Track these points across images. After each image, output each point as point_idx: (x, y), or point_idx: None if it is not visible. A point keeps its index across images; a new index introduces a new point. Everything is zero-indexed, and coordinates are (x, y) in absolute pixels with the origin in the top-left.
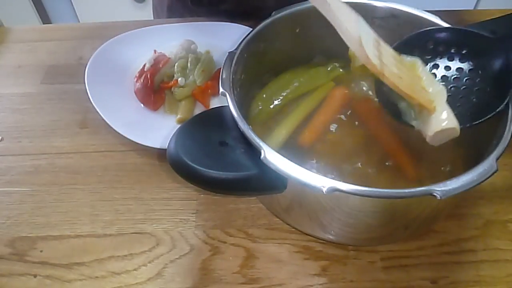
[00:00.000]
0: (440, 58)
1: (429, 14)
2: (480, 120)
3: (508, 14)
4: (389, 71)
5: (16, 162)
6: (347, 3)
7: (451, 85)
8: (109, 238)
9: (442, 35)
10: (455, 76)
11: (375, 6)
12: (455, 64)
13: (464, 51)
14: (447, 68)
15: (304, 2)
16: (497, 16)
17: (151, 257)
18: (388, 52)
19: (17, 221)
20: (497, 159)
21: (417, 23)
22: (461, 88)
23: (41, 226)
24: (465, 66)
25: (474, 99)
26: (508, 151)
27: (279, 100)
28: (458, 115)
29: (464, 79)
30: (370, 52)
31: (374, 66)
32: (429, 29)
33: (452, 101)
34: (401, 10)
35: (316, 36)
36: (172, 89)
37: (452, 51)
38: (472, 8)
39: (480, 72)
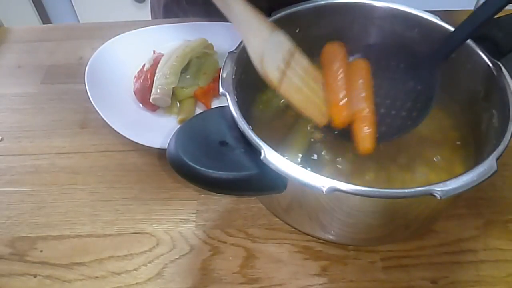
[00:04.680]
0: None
1: (429, 14)
2: (393, 137)
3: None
4: (288, 84)
5: (16, 162)
6: (346, 3)
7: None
8: (109, 238)
9: (377, 48)
10: (391, 88)
11: (375, 6)
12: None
13: (402, 65)
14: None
15: (303, 3)
16: (497, 16)
17: (151, 257)
18: (299, 65)
19: (17, 221)
20: (497, 159)
21: (417, 23)
22: (394, 99)
23: (41, 226)
24: (402, 79)
25: (404, 113)
26: (508, 151)
27: (280, 100)
28: (388, 126)
29: (395, 88)
30: (270, 68)
31: (270, 81)
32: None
33: (386, 111)
34: (401, 10)
35: (315, 36)
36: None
37: (392, 63)
38: (472, 8)
39: (410, 83)
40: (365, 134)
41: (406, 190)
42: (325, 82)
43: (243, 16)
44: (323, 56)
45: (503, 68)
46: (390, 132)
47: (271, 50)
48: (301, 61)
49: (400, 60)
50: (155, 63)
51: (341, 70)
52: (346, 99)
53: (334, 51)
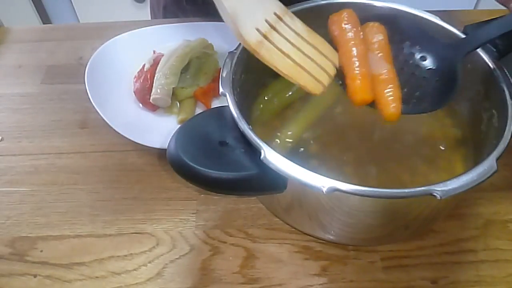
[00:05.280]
0: (410, 44)
1: (429, 14)
2: (411, 113)
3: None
4: (271, 49)
5: (16, 162)
6: (346, 3)
7: (403, 72)
8: (109, 238)
9: (398, 24)
10: (404, 67)
11: (375, 6)
12: (411, 53)
13: (416, 46)
14: (411, 54)
15: (303, 3)
16: (497, 16)
17: (151, 257)
18: (289, 28)
19: (17, 221)
20: (497, 159)
21: (417, 23)
22: (408, 77)
23: (41, 226)
24: (416, 58)
25: (418, 93)
26: (508, 151)
27: (281, 101)
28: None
29: (412, 70)
30: (245, 29)
31: (247, 44)
32: (387, 15)
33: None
34: (401, 10)
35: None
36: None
37: (407, 43)
38: (472, 8)
39: (427, 69)
40: (389, 98)
41: (406, 190)
42: (339, 55)
43: None
44: (331, 27)
45: (503, 68)
46: (408, 109)
47: (249, 10)
48: (293, 25)
49: (414, 39)
50: (155, 63)
51: (355, 40)
52: (361, 76)
53: (342, 20)
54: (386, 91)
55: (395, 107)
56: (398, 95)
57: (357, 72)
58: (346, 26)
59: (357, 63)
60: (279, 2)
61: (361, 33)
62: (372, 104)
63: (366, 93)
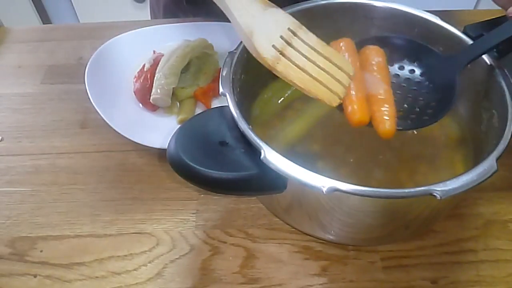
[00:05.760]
0: (409, 62)
1: (429, 14)
2: (412, 129)
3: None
4: (288, 64)
5: (16, 162)
6: (346, 3)
7: (403, 90)
8: (109, 238)
9: (397, 43)
10: (405, 84)
11: (375, 6)
12: (411, 70)
13: (415, 63)
14: (411, 71)
15: (303, 3)
16: (497, 16)
17: (151, 257)
18: (304, 43)
19: (17, 221)
20: (497, 159)
21: (417, 23)
22: (408, 94)
23: (41, 226)
24: (415, 75)
25: (417, 108)
26: (508, 151)
27: (281, 100)
28: (399, 118)
29: (412, 86)
30: (262, 47)
31: (264, 61)
32: (385, 36)
33: (397, 103)
34: (401, 10)
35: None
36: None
37: (405, 60)
38: (472, 8)
39: (427, 83)
40: (384, 117)
41: (406, 190)
42: None
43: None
44: None
45: (503, 68)
46: (407, 124)
47: (264, 28)
48: (307, 39)
49: (413, 56)
50: (155, 63)
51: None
52: (358, 100)
53: (340, 48)
54: (381, 110)
55: (389, 125)
56: (393, 113)
57: (354, 97)
58: (344, 54)
59: (354, 89)
60: (293, 18)
61: (359, 58)
62: (369, 124)
63: (362, 115)
